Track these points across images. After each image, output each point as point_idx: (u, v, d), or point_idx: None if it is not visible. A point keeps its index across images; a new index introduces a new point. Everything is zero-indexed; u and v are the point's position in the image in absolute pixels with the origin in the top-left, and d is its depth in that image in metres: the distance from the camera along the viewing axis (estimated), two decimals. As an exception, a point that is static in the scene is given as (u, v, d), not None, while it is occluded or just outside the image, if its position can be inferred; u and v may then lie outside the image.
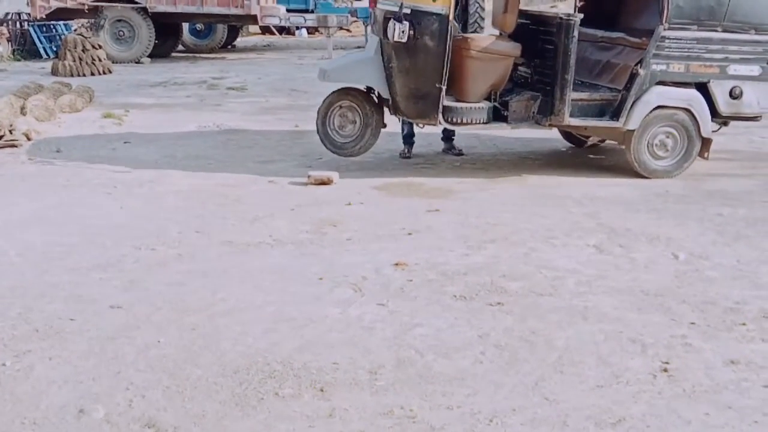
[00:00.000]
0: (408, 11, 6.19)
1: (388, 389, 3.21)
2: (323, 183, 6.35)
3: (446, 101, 6.44)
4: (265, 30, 21.80)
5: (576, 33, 6.33)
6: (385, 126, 6.82)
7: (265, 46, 19.93)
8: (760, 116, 6.81)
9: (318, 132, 6.78)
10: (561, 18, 6.45)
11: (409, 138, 7.38)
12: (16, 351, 3.50)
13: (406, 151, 7.37)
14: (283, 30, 21.60)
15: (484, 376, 3.31)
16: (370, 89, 6.72)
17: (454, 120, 6.51)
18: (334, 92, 6.75)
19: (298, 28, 20.68)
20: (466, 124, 6.57)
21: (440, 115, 6.42)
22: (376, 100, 6.70)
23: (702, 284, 4.32)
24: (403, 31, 6.17)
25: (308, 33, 21.69)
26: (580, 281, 4.35)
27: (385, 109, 6.77)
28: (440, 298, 4.11)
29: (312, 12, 18.12)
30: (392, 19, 6.22)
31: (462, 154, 7.44)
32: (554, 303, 4.06)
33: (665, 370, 3.36)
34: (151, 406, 3.07)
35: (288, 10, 16.94)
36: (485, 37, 6.79)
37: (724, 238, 5.11)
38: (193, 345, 3.57)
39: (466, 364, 3.41)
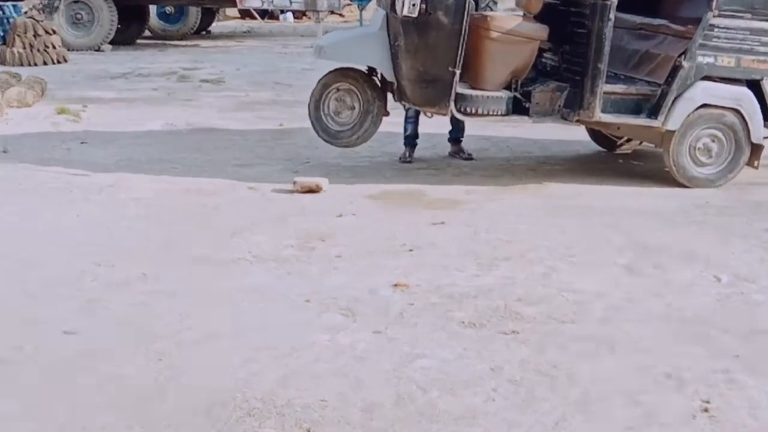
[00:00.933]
0: None
1: (385, 430, 3.20)
2: (311, 190, 6.36)
3: (460, 88, 6.43)
4: (245, 14, 21.86)
5: (612, 16, 6.33)
6: (387, 114, 6.82)
7: (245, 32, 19.99)
8: None
9: (309, 117, 6.78)
10: None
11: (411, 139, 7.39)
12: (-45, 383, 3.49)
13: (407, 154, 7.38)
14: (265, 14, 21.67)
15: (497, 415, 3.31)
16: (372, 70, 6.72)
17: (468, 110, 6.50)
18: (330, 72, 6.74)
19: (282, 11, 20.74)
20: (482, 115, 6.56)
21: (452, 103, 6.41)
22: (379, 83, 6.70)
23: (748, 310, 4.33)
24: (414, 4, 6.16)
25: (294, 18, 21.77)
26: (606, 306, 4.36)
27: (389, 96, 6.76)
28: (446, 325, 4.11)
29: (298, -6, 18.19)
30: None
31: (471, 159, 7.46)
32: (577, 331, 4.07)
33: (706, 410, 3.36)
34: (111, 448, 3.07)
35: (271, -9, 17.01)
36: (508, 16, 6.80)
37: (773, 257, 5.13)
38: (160, 377, 3.56)
39: (476, 402, 3.41)
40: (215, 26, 19.93)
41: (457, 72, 6.31)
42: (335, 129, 6.76)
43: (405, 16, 6.23)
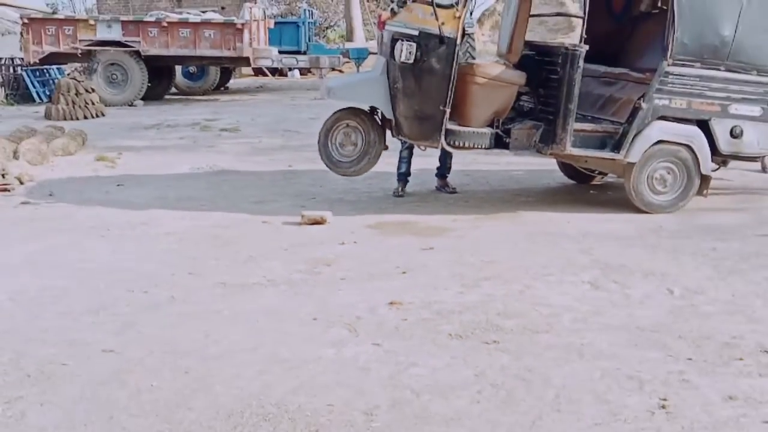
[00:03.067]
0: (416, 33, 6.26)
1: (383, 430, 3.17)
2: (317, 222, 6.35)
3: (449, 124, 6.47)
4: (258, 71, 21.98)
5: (581, 63, 6.40)
6: (386, 148, 6.83)
7: (258, 87, 20.07)
8: (760, 157, 6.86)
9: (318, 143, 6.80)
10: (567, 48, 6.52)
11: (404, 176, 7.40)
12: (8, 397, 3.46)
13: (400, 189, 7.39)
14: (275, 71, 21.78)
15: (481, 416, 3.28)
16: (374, 110, 6.75)
17: (457, 143, 6.54)
18: (343, 110, 6.78)
19: (290, 69, 20.88)
20: (468, 148, 6.60)
21: (443, 138, 6.45)
22: (380, 122, 6.71)
23: (698, 319, 4.31)
24: (410, 53, 6.24)
25: (301, 74, 21.88)
26: (575, 318, 4.34)
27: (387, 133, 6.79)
28: (435, 337, 4.09)
29: (304, 53, 18.33)
30: (400, 41, 6.28)
31: (455, 192, 7.47)
32: (550, 340, 4.05)
33: (663, 407, 3.33)
34: (144, 451, 3.03)
35: (280, 52, 17.12)
36: (492, 64, 6.88)
37: (719, 272, 5.11)
38: (186, 388, 3.53)
39: (463, 404, 3.38)
40: (232, 83, 20.03)
41: (448, 110, 6.36)
42: (337, 158, 6.79)
43: (402, 63, 6.30)
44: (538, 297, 4.67)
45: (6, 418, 3.29)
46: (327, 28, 29.11)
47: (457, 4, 6.27)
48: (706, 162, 6.53)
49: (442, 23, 6.25)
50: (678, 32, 6.38)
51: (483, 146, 6.60)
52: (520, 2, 6.74)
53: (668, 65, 6.43)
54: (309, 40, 20.39)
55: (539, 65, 6.80)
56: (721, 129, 6.57)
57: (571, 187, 7.84)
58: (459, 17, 6.26)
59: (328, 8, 29.59)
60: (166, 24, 15.50)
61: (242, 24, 15.59)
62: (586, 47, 6.44)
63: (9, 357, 3.86)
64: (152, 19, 15.79)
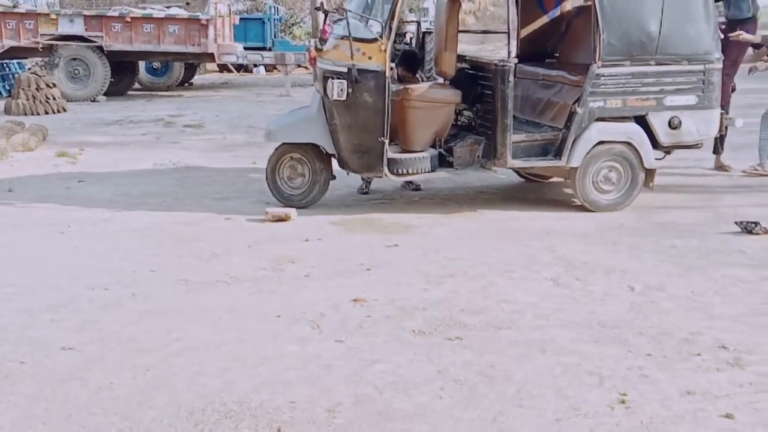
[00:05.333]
0: (345, 70, 6.26)
1: (346, 427, 3.17)
2: (281, 219, 6.32)
3: (391, 153, 6.50)
4: (223, 68, 21.83)
5: (511, 78, 6.47)
6: (334, 178, 6.83)
7: (223, 83, 19.93)
8: (701, 144, 6.98)
9: (267, 182, 6.76)
10: (496, 64, 6.57)
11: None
12: (-37, 396, 3.40)
13: (365, 186, 7.38)
14: (240, 67, 21.64)
15: (444, 412, 3.29)
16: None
17: (400, 171, 6.55)
18: (276, 150, 6.75)
19: (255, 65, 20.76)
20: (413, 174, 6.64)
21: (386, 168, 6.46)
22: (325, 152, 6.70)
23: (657, 316, 4.36)
24: (342, 89, 6.25)
25: (266, 70, 21.76)
26: (538, 314, 4.37)
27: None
28: (399, 334, 4.09)
29: (270, 50, 18.23)
30: (330, 78, 6.29)
31: (419, 189, 7.48)
32: (513, 336, 4.07)
33: (623, 402, 3.37)
34: (104, 449, 3.00)
35: (245, 48, 17.00)
36: (424, 85, 6.88)
37: (678, 269, 5.18)
38: (147, 386, 3.50)
39: (426, 400, 3.39)
40: (197, 79, 19.85)
41: (386, 141, 6.37)
42: (289, 193, 6.75)
43: (335, 100, 6.29)
44: (501, 294, 4.70)
45: (-38, 417, 3.23)
46: (293, 24, 29.00)
47: (381, 36, 6.28)
48: (648, 156, 6.61)
49: (369, 57, 6.26)
50: (604, 34, 6.45)
51: (427, 170, 6.62)
52: (448, 19, 6.78)
53: (598, 68, 6.49)
54: (275, 37, 20.30)
55: (475, 80, 6.85)
56: (659, 122, 6.64)
57: (534, 185, 7.89)
58: (385, 50, 6.26)
59: (294, 5, 29.48)
60: (129, 19, 15.30)
61: (207, 20, 15.45)
62: (515, 61, 6.53)
63: (-35, 355, 3.79)
64: (115, 14, 15.58)
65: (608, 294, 4.72)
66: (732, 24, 7.89)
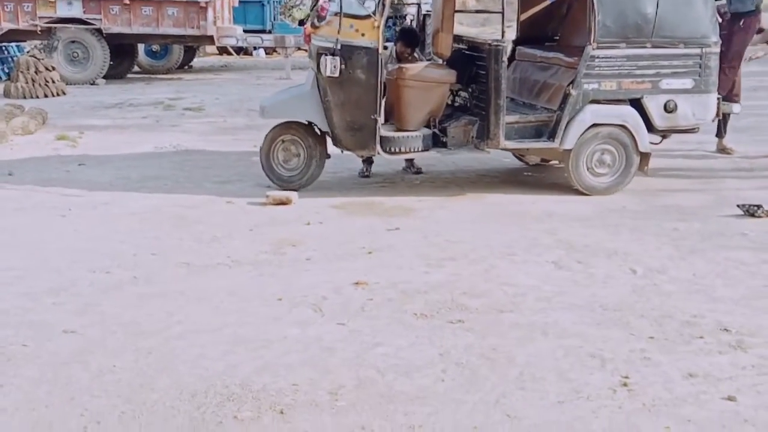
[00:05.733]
0: (338, 46, 6.25)
1: (348, 410, 3.18)
2: (282, 203, 6.31)
3: (384, 131, 6.50)
4: (223, 50, 21.71)
5: (504, 58, 6.45)
6: (329, 157, 6.81)
7: (222, 66, 19.84)
8: (698, 128, 6.95)
9: (263, 168, 6.75)
10: (489, 44, 6.54)
11: (369, 157, 7.36)
12: (-34, 379, 3.40)
13: (366, 169, 7.36)
14: (240, 50, 21.52)
15: (446, 395, 3.30)
16: (310, 122, 6.73)
17: (393, 149, 6.54)
18: (274, 127, 6.74)
19: (255, 48, 20.64)
20: (405, 153, 6.63)
21: (378, 146, 6.46)
22: (318, 131, 6.69)
23: (659, 298, 4.36)
24: (335, 66, 6.24)
25: (266, 53, 21.65)
26: (539, 297, 4.37)
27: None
28: (401, 317, 4.09)
29: (269, 32, 18.10)
30: (324, 55, 6.27)
31: (421, 173, 7.46)
32: (514, 319, 4.07)
33: (625, 385, 3.38)
34: (106, 432, 3.00)
35: (245, 31, 16.89)
36: (419, 65, 6.85)
37: (680, 252, 5.17)
38: (149, 369, 3.50)
39: (428, 383, 3.39)
40: (196, 61, 19.76)
41: (379, 119, 6.37)
42: (287, 175, 6.73)
43: (329, 76, 6.28)
44: (503, 277, 4.70)
45: (-36, 400, 3.23)
46: (292, 7, 28.84)
47: (374, 13, 6.26)
48: (643, 139, 6.58)
49: (362, 34, 6.26)
50: (599, 15, 6.41)
51: (420, 149, 6.62)
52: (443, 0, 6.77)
53: (593, 49, 6.45)
54: (274, 19, 20.16)
55: (470, 60, 6.81)
56: (654, 105, 6.60)
57: (535, 167, 7.87)
58: (378, 26, 6.25)
59: (294, -13, 29.31)
60: (128, 1, 15.18)
61: (206, 2, 15.33)
62: (509, 41, 6.50)
63: (-33, 338, 3.79)
64: (114, -4, 15.49)
65: (610, 277, 4.71)
66: (735, 17, 7.81)
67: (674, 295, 4.42)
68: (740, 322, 4.02)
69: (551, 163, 7.76)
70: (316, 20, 6.67)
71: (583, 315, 4.13)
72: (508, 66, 7.67)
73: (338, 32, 6.23)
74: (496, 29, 7.31)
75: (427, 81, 6.64)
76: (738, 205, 6.09)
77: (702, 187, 7.01)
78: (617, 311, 4.17)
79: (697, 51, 6.62)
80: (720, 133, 8.17)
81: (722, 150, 8.23)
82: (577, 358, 3.63)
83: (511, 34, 7.13)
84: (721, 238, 5.48)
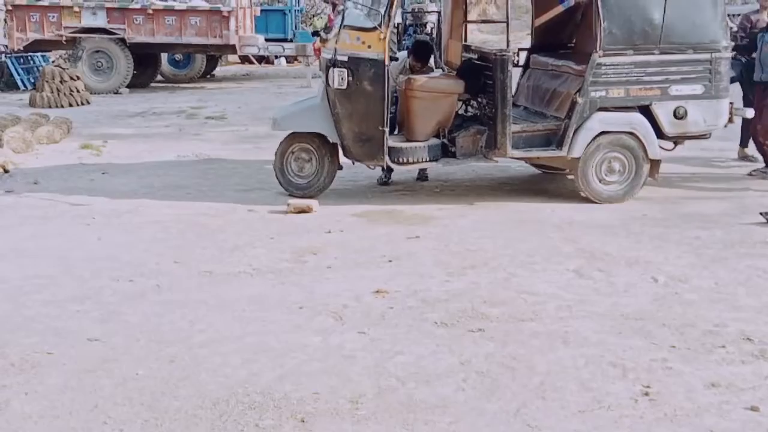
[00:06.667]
0: (345, 58, 6.27)
1: (369, 418, 3.18)
2: (303, 211, 6.34)
3: (392, 142, 6.53)
4: (244, 59, 21.84)
5: (510, 68, 6.46)
6: (341, 168, 6.84)
7: (244, 75, 19.95)
8: (709, 134, 6.89)
9: (279, 181, 6.83)
10: (495, 54, 6.54)
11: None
12: (-8, 386, 3.44)
13: (385, 176, 7.37)
14: (262, 59, 21.64)
15: (466, 403, 3.29)
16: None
17: (401, 160, 6.57)
18: (283, 140, 6.79)
19: (276, 57, 20.74)
20: (413, 163, 6.66)
21: (386, 156, 6.48)
22: (330, 141, 6.71)
23: (681, 307, 4.33)
24: (342, 78, 6.29)
25: (287, 62, 21.75)
26: (560, 306, 4.35)
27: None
28: (421, 325, 4.09)
29: (290, 41, 18.19)
30: (332, 67, 6.31)
31: (426, 179, 7.45)
32: (535, 328, 4.06)
33: (646, 394, 3.35)
34: (129, 440, 3.02)
35: (266, 40, 16.99)
36: (428, 76, 6.86)
37: (702, 260, 5.13)
38: (172, 377, 3.52)
39: (448, 392, 3.39)
40: (218, 70, 19.89)
41: (386, 130, 6.38)
42: (304, 183, 6.78)
43: (337, 88, 6.31)
44: (523, 285, 4.68)
45: (-10, 407, 3.27)
46: (314, 15, 28.94)
47: (380, 26, 6.28)
48: (653, 147, 6.52)
49: (369, 46, 6.28)
50: (605, 22, 6.38)
51: (428, 159, 6.64)
52: (453, 9, 6.76)
53: (599, 57, 6.42)
54: (296, 28, 20.25)
55: (479, 70, 6.82)
56: (663, 112, 6.54)
57: (555, 175, 7.84)
58: (383, 38, 6.28)
59: (315, -4, 29.42)
60: (151, 11, 15.34)
61: (228, 11, 15.46)
62: (514, 51, 6.48)
63: (-7, 346, 3.83)
64: (138, 6, 15.61)
65: (631, 285, 4.69)
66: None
67: (696, 303, 4.39)
68: (763, 331, 3.98)
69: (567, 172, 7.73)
70: (322, 33, 6.74)
71: (604, 324, 4.10)
72: (523, 74, 7.69)
73: (336, 43, 6.27)
74: (517, 36, 7.32)
75: (435, 92, 6.66)
76: (761, 213, 6.03)
77: (724, 195, 6.95)
78: (638, 320, 4.15)
79: (707, 56, 6.56)
80: (743, 141, 8.11)
81: (744, 157, 8.16)
82: (598, 367, 3.61)
83: (523, 43, 7.11)
84: (743, 246, 5.43)
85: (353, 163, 6.90)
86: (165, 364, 3.64)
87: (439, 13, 9.66)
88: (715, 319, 4.16)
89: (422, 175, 7.48)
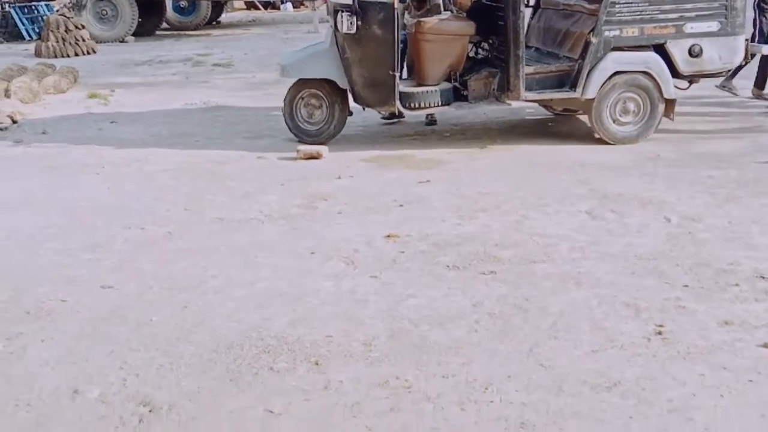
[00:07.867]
0: (354, 2, 6.18)
1: (382, 360, 3.20)
2: (313, 157, 6.32)
3: (403, 86, 6.46)
4: (250, 5, 21.64)
5: (522, 8, 6.36)
6: (351, 114, 6.78)
7: (251, 21, 19.76)
8: (725, 72, 6.79)
9: (289, 128, 6.77)
10: None
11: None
12: (8, 334, 3.48)
13: (390, 115, 7.28)
14: (268, 5, 21.44)
15: (479, 345, 3.31)
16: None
17: (413, 105, 6.50)
18: (292, 86, 6.72)
19: (283, 2, 20.53)
20: (426, 108, 6.59)
21: (398, 102, 6.42)
22: (340, 87, 6.65)
23: (694, 247, 4.32)
24: (351, 22, 6.19)
25: (293, 7, 21.53)
26: (572, 247, 4.35)
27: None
28: (433, 269, 4.10)
29: (297, -15, 17.97)
30: (340, 11, 6.22)
31: (435, 123, 7.40)
32: (547, 270, 4.06)
33: (659, 333, 3.36)
34: (146, 384, 3.06)
35: (272, -16, 16.80)
36: (437, 18, 6.75)
37: (716, 200, 5.10)
38: (186, 322, 3.55)
39: (461, 333, 3.41)
40: (224, 17, 19.71)
41: (397, 74, 6.30)
42: (314, 129, 6.73)
43: (346, 33, 6.22)
44: (535, 227, 4.68)
45: (8, 353, 3.31)
46: (319, -41, 28.53)
47: None
48: (668, 86, 6.43)
49: None
50: None
51: (440, 104, 6.57)
52: None
53: None
54: (301, -28, 20.02)
55: (490, 12, 6.70)
56: (678, 50, 6.44)
57: (567, 117, 7.77)
58: None
59: (320, -61, 28.96)
60: (155, -43, 15.18)
61: (233, -44, 15.27)
62: None
63: (8, 295, 3.87)
64: (141, -48, 15.44)
65: (644, 226, 4.67)
66: None
67: (709, 243, 4.38)
68: (777, 270, 3.97)
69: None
70: None
71: (616, 264, 4.10)
72: (534, 14, 7.57)
73: None
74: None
75: (445, 34, 6.57)
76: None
77: (738, 134, 6.88)
78: (652, 260, 4.14)
79: None
80: (758, 81, 8.00)
81: (758, 96, 8.06)
82: (611, 307, 3.61)
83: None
84: (757, 185, 5.39)
85: (363, 109, 6.85)
86: (179, 310, 3.67)
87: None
88: (729, 257, 4.14)
89: (431, 120, 7.43)
